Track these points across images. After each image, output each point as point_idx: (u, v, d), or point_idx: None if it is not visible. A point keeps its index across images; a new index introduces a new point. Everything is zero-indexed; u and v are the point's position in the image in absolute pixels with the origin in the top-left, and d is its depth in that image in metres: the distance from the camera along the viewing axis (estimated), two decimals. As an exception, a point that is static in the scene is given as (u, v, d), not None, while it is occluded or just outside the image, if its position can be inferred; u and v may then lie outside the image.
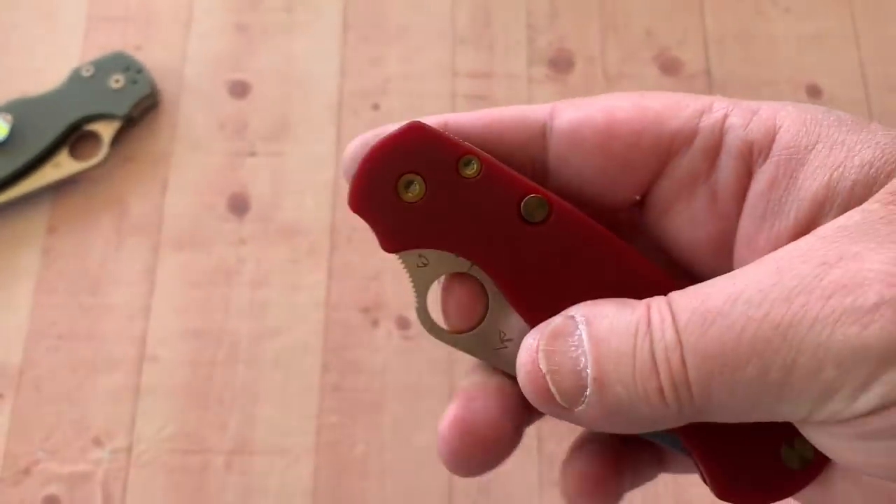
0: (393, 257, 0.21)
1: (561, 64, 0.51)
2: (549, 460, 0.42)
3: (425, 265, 0.20)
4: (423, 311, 0.20)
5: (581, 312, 0.18)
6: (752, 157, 0.18)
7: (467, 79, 0.51)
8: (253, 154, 0.49)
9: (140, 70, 0.49)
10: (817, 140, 0.17)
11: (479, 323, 0.20)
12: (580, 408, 0.17)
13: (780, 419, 0.17)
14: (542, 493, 0.42)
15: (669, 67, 0.51)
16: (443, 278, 0.21)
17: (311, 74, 0.50)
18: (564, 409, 0.18)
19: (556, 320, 0.18)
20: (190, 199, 0.47)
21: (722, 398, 0.16)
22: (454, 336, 0.20)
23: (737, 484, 0.20)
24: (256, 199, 0.48)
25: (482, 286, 0.20)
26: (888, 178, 0.17)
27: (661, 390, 0.16)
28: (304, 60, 0.51)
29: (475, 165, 0.19)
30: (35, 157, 0.47)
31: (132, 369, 0.44)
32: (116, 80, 0.48)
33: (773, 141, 0.18)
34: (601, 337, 0.17)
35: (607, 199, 0.20)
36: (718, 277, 0.17)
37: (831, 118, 0.18)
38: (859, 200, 0.17)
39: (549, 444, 0.43)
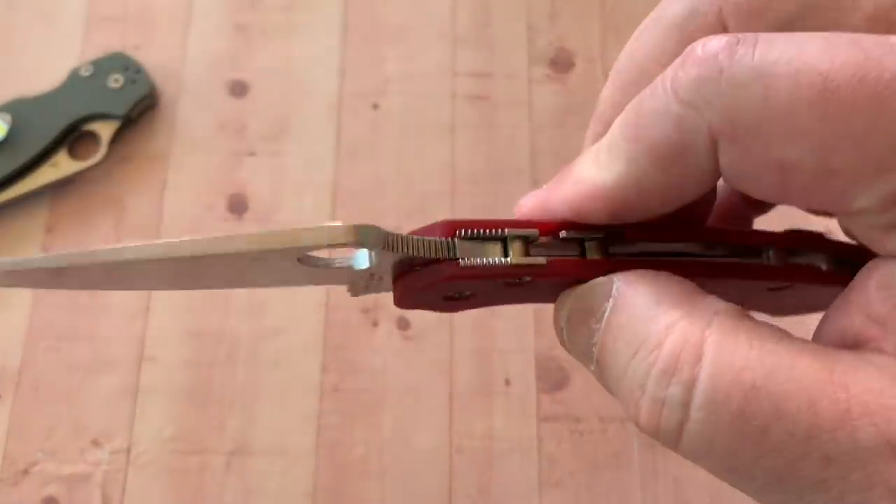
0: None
1: (561, 64, 0.51)
2: (548, 460, 0.42)
3: None
4: None
5: (620, 285, 0.16)
6: None
7: (467, 79, 0.51)
8: (252, 154, 0.48)
9: (139, 70, 0.49)
10: None
11: None
12: (591, 369, 0.17)
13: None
14: (541, 493, 0.42)
15: (669, 67, 0.51)
16: None
17: (311, 74, 0.50)
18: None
19: (594, 283, 0.17)
20: (189, 200, 0.47)
21: (705, 468, 0.15)
22: None
23: None
24: (256, 199, 0.47)
25: None
26: None
27: (636, 419, 0.16)
28: (303, 60, 0.51)
29: (528, 278, 0.18)
30: (33, 157, 0.46)
31: (131, 370, 0.44)
32: (115, 80, 0.48)
33: None
34: (613, 327, 0.16)
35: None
36: (781, 349, 0.14)
37: None
38: None
39: (548, 444, 0.43)
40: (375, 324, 0.45)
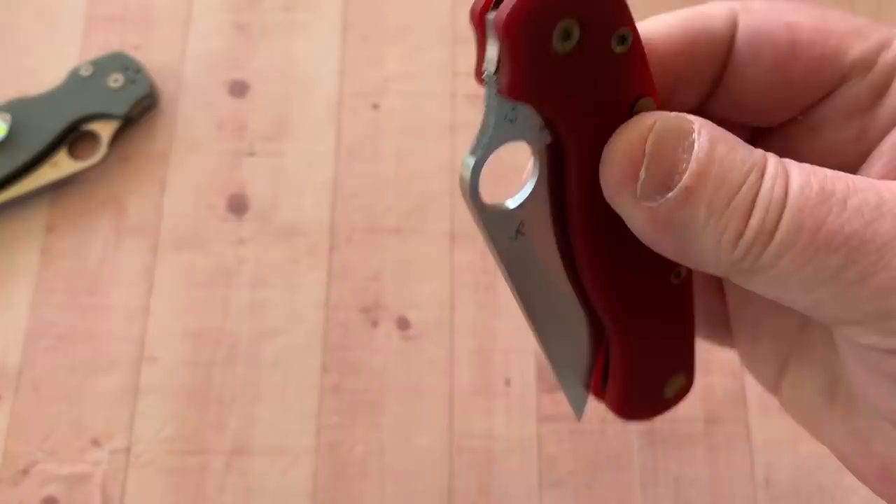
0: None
1: (561, 64, 0.51)
2: (549, 460, 0.42)
3: (512, 122, 0.19)
4: (477, 168, 0.19)
5: (701, 124, 0.18)
6: None
7: (467, 78, 0.51)
8: (252, 154, 0.48)
9: (139, 70, 0.49)
10: None
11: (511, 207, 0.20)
12: (650, 203, 0.18)
13: (820, 318, 0.18)
14: (542, 494, 0.42)
15: (669, 67, 0.51)
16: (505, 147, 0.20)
17: (311, 74, 0.50)
18: (632, 197, 0.18)
19: (673, 117, 0.18)
20: (189, 199, 0.47)
21: (787, 270, 0.17)
22: (482, 203, 0.20)
23: (628, 402, 0.22)
24: (256, 199, 0.47)
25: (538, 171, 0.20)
26: None
27: (739, 234, 0.17)
28: (303, 60, 0.51)
29: (624, 42, 0.18)
30: (33, 157, 0.46)
31: (131, 370, 0.44)
32: (115, 80, 0.48)
33: None
34: (716, 156, 0.17)
35: (768, 115, 0.20)
36: (841, 173, 0.17)
37: None
38: None
39: (549, 444, 0.43)
40: (375, 324, 0.45)
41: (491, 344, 0.45)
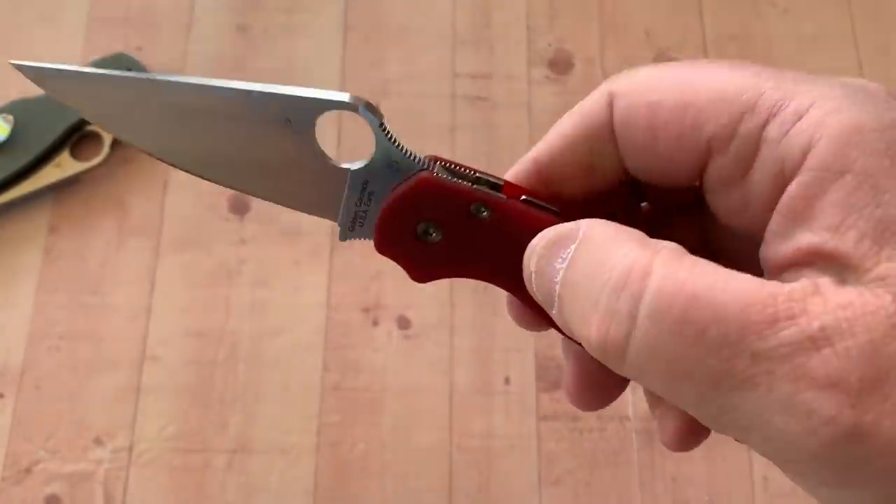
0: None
1: (560, 65, 0.51)
2: (548, 460, 0.43)
3: None
4: None
5: (585, 228, 0.18)
6: (784, 173, 0.17)
7: (467, 80, 0.51)
8: (253, 154, 0.49)
9: (141, 71, 0.49)
10: (849, 169, 0.16)
11: None
12: (553, 312, 0.18)
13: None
14: (541, 493, 0.42)
15: (668, 68, 0.51)
16: None
17: (312, 75, 0.51)
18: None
19: (562, 228, 0.19)
20: (191, 200, 0.48)
21: (650, 383, 0.17)
22: None
23: None
24: (257, 199, 0.48)
25: None
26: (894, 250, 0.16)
27: (591, 331, 0.17)
28: (304, 61, 0.51)
29: (484, 209, 0.21)
30: (36, 158, 0.47)
31: (133, 369, 0.44)
32: (117, 81, 0.48)
33: (804, 158, 0.17)
34: (580, 265, 0.17)
35: (668, 182, 0.20)
36: (720, 272, 0.16)
37: (878, 141, 0.16)
38: (861, 257, 0.16)
39: (548, 442, 0.43)
40: (376, 323, 0.45)
41: (490, 343, 0.45)
